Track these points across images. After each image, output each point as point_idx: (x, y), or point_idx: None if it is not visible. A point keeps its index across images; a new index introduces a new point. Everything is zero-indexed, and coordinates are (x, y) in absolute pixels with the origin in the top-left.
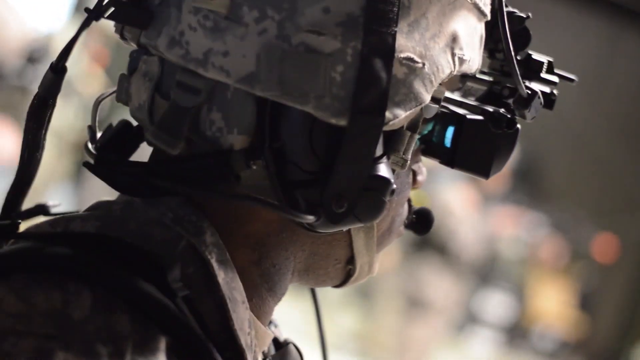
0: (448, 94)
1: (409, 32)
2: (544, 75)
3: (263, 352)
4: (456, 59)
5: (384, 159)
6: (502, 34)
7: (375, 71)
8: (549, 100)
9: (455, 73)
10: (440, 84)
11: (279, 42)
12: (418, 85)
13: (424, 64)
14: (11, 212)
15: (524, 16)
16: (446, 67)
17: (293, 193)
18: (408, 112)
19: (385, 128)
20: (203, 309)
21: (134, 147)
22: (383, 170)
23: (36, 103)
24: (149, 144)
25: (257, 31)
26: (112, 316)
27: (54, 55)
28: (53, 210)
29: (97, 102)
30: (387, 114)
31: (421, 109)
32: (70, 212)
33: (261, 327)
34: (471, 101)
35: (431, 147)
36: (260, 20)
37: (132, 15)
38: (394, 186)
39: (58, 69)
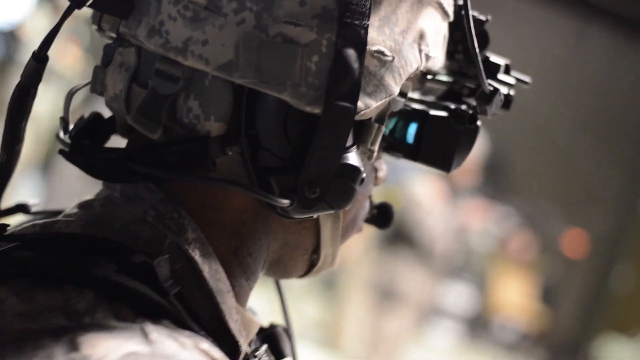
0: (410, 93)
1: (380, 27)
2: (501, 76)
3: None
4: (423, 54)
5: (354, 149)
6: (467, 32)
7: (349, 62)
8: (506, 101)
9: (421, 69)
10: (407, 79)
11: (256, 32)
12: (388, 78)
13: (393, 58)
14: None
15: (483, 19)
16: (414, 62)
17: (267, 179)
18: (378, 103)
19: (357, 118)
20: (193, 303)
21: (106, 138)
22: (353, 158)
23: (18, 93)
24: (122, 134)
25: (236, 21)
26: (114, 305)
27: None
28: (33, 209)
29: (70, 94)
30: (359, 104)
31: (389, 102)
32: (50, 211)
33: (246, 314)
34: (432, 99)
35: (394, 143)
36: (239, 10)
37: (114, 4)
38: (364, 174)
39: (40, 58)
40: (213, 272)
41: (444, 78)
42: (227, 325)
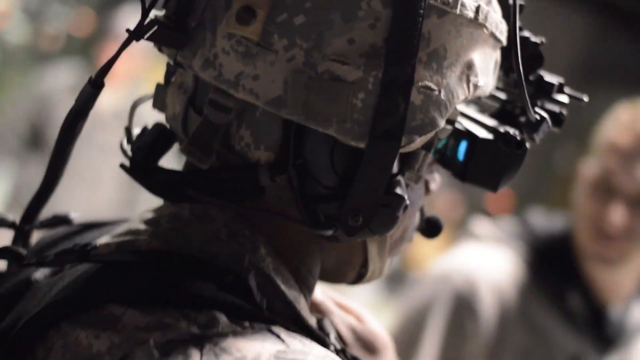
0: (463, 109)
1: (427, 62)
2: (554, 96)
3: None
4: (471, 85)
5: (399, 177)
6: (515, 66)
7: (394, 99)
8: (558, 120)
9: (469, 98)
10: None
11: (305, 69)
12: (434, 112)
13: (440, 92)
14: (30, 221)
15: (538, 42)
16: (461, 94)
17: (313, 207)
18: (423, 137)
19: (402, 150)
20: (277, 311)
21: (166, 149)
22: (398, 188)
23: (72, 117)
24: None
25: (286, 58)
26: (229, 318)
27: None
28: (75, 221)
29: (134, 106)
30: (404, 139)
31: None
32: (104, 222)
33: (313, 319)
34: (485, 117)
35: (444, 159)
36: (289, 48)
37: (170, 37)
38: (407, 202)
39: (97, 84)
40: (286, 284)
41: (500, 95)
42: (311, 327)
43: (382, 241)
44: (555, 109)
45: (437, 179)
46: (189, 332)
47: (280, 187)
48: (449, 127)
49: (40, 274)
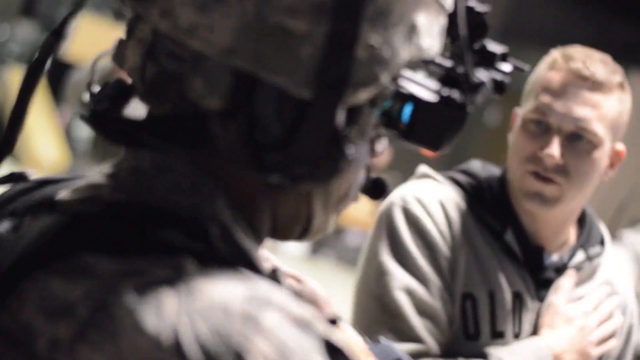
0: (410, 74)
1: (372, 20)
2: (497, 64)
3: None
4: (414, 46)
5: (344, 130)
6: (460, 30)
7: (339, 53)
8: (501, 87)
9: (413, 59)
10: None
11: (257, 21)
12: (377, 68)
13: (383, 49)
14: None
15: (483, 11)
16: (404, 54)
17: (261, 155)
18: (367, 92)
19: (346, 103)
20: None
21: (126, 100)
22: (342, 140)
23: (33, 67)
24: (142, 101)
25: (239, 10)
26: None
27: None
28: (31, 177)
29: (96, 60)
30: (347, 92)
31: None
32: (60, 177)
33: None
34: (431, 82)
35: (389, 121)
36: (243, 0)
37: None
38: (351, 155)
39: (59, 33)
40: (243, 234)
41: (446, 63)
42: (267, 276)
43: (327, 195)
44: (498, 76)
45: (383, 141)
46: (162, 276)
47: (230, 135)
48: (393, 86)
49: (4, 227)
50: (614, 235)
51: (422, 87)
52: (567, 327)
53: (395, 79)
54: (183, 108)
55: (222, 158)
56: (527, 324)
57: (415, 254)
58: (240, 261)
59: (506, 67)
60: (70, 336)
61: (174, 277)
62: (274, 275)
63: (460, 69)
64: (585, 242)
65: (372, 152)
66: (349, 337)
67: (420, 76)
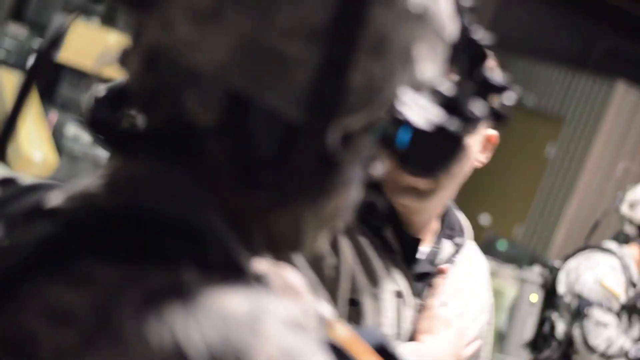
0: (411, 97)
1: (369, 47)
2: (498, 94)
3: None
4: (411, 74)
5: (336, 152)
6: (459, 62)
7: (333, 79)
8: (500, 117)
9: (410, 87)
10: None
11: (252, 40)
12: (372, 95)
13: (379, 77)
14: None
15: (484, 44)
16: (401, 81)
17: (250, 172)
18: (360, 117)
19: (338, 128)
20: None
21: (123, 107)
22: (330, 162)
23: (30, 76)
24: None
25: (236, 28)
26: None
27: None
28: (20, 182)
29: (99, 64)
30: (340, 119)
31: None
32: (50, 183)
33: None
34: (431, 107)
35: (385, 143)
36: (240, 19)
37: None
38: (340, 176)
39: (56, 42)
40: (237, 245)
41: (447, 91)
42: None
43: (318, 215)
44: (497, 106)
45: (380, 165)
46: (164, 284)
47: (222, 151)
48: (388, 113)
49: None
50: (598, 245)
51: (420, 112)
52: (447, 331)
53: (392, 101)
54: (177, 121)
55: (213, 173)
56: (407, 322)
57: (300, 262)
58: (236, 269)
59: (508, 98)
60: (76, 345)
61: (176, 286)
62: (264, 280)
63: (460, 98)
64: (450, 231)
65: (367, 174)
66: (344, 333)
67: (421, 100)
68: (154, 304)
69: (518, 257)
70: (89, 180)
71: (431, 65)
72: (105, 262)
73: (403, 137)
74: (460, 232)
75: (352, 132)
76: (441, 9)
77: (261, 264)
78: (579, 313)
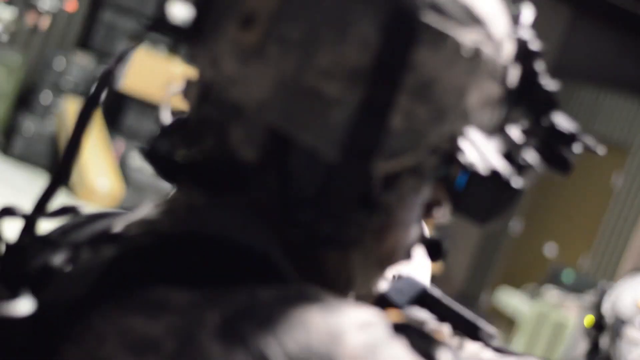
0: (478, 140)
1: (414, 90)
2: (567, 143)
3: None
4: (460, 118)
5: (379, 195)
6: (526, 108)
7: (372, 120)
8: (566, 166)
9: (458, 131)
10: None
11: (292, 79)
12: (412, 138)
13: (423, 120)
14: (42, 210)
15: (552, 90)
16: (446, 125)
17: (289, 211)
18: (403, 161)
19: (377, 170)
20: None
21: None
22: (373, 204)
23: (89, 104)
24: None
25: (277, 67)
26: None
27: None
28: (82, 211)
29: (167, 96)
30: (379, 160)
31: (421, 157)
32: (113, 211)
33: None
34: (495, 154)
35: (447, 187)
36: (282, 58)
37: (183, 33)
38: (389, 218)
39: (115, 69)
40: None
41: (508, 139)
42: None
43: (366, 253)
44: (565, 154)
45: (443, 207)
46: (242, 303)
47: (262, 187)
48: (434, 155)
49: (57, 260)
50: None
51: (480, 156)
52: None
53: (451, 144)
54: (224, 156)
55: (259, 208)
56: None
57: None
58: (304, 288)
59: (576, 147)
60: None
61: (254, 304)
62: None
63: (522, 146)
64: None
65: (428, 216)
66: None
67: (483, 145)
68: (236, 324)
69: (584, 288)
70: (147, 209)
71: (489, 109)
72: (178, 287)
73: (460, 180)
74: None
75: (396, 174)
76: (499, 52)
77: None
78: (616, 333)
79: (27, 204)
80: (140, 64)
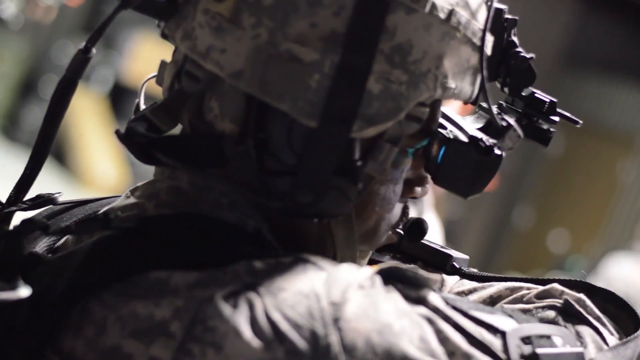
0: (453, 116)
1: (390, 54)
2: (545, 114)
3: None
4: (438, 84)
5: (358, 164)
6: (479, 65)
7: (348, 85)
8: (545, 137)
9: (437, 97)
10: (424, 105)
11: (267, 46)
12: (391, 103)
13: (400, 85)
14: (16, 201)
15: (528, 56)
16: (424, 91)
17: (268, 180)
18: (379, 126)
19: (356, 136)
20: None
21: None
22: (352, 173)
23: (63, 86)
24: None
25: (251, 35)
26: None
27: None
28: (58, 201)
29: (143, 83)
30: (356, 125)
31: (400, 124)
32: (101, 198)
33: None
34: (471, 126)
35: (428, 163)
36: (256, 26)
37: (157, 8)
38: (360, 188)
39: (87, 51)
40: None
41: (494, 109)
42: None
43: (348, 228)
44: (544, 126)
45: (427, 187)
46: (239, 282)
47: (241, 158)
48: (414, 123)
49: (40, 248)
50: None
51: (460, 130)
52: None
53: (416, 118)
54: (199, 129)
55: (239, 181)
56: None
57: None
58: (297, 258)
59: (554, 117)
60: (170, 354)
61: (251, 281)
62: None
63: (506, 116)
64: None
65: (411, 193)
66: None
67: (466, 120)
68: (239, 301)
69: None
70: (133, 197)
71: (461, 77)
72: (172, 269)
73: (440, 152)
74: None
75: (375, 142)
76: (475, 17)
77: None
78: None
79: (30, 191)
80: (148, 54)
